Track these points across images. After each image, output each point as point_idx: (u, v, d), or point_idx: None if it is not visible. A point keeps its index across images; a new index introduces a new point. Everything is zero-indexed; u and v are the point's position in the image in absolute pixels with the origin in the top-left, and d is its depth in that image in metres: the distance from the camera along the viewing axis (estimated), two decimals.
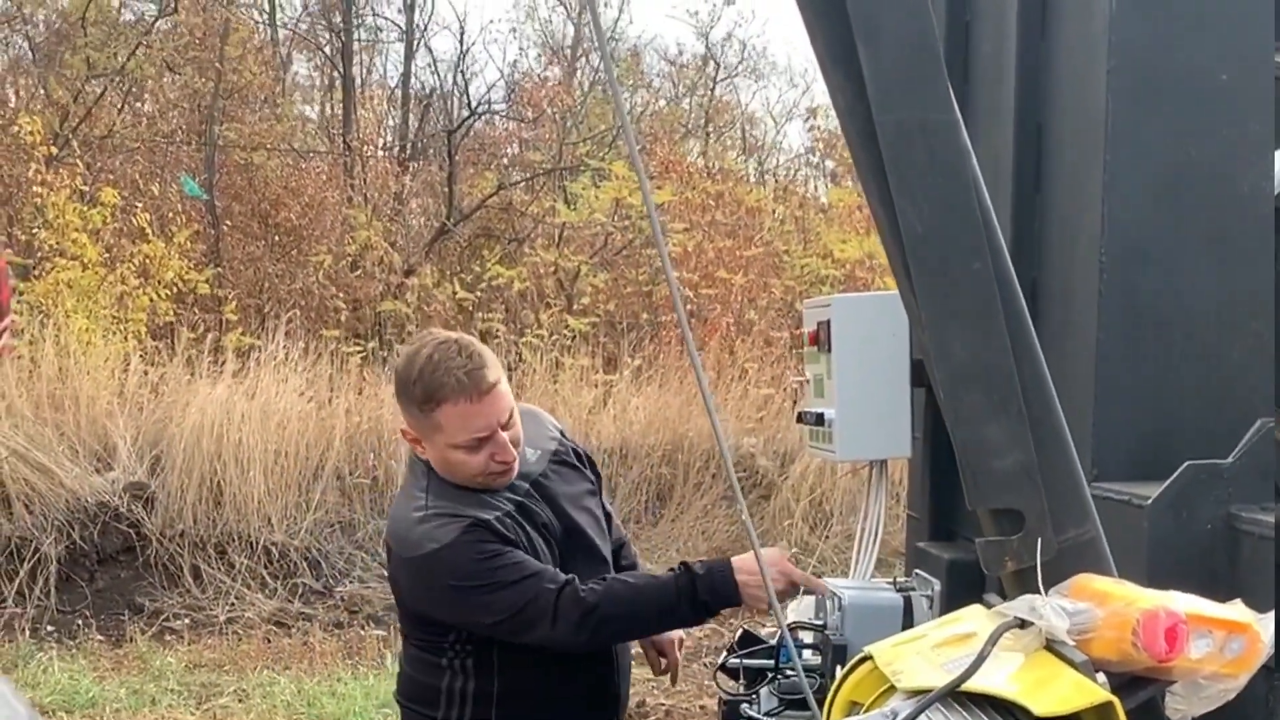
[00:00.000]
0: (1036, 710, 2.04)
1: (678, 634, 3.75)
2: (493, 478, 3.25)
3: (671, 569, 3.30)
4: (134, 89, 17.02)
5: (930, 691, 2.09)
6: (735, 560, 3.23)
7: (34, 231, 13.27)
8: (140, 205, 14.15)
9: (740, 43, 22.98)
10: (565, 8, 21.18)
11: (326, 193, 16.81)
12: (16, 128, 13.73)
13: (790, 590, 3.35)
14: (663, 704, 7.76)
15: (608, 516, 3.69)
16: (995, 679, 2.09)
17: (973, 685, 2.08)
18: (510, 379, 11.81)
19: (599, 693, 3.47)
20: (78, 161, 14.45)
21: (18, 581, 9.41)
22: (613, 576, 3.29)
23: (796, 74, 24.27)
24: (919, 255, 2.36)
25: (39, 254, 13.00)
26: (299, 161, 17.82)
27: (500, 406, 3.19)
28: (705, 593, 3.20)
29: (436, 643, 3.34)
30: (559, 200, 16.99)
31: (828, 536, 11.22)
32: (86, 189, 13.81)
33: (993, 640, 2.12)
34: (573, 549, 3.38)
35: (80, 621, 9.29)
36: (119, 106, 16.79)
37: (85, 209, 13.09)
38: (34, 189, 13.25)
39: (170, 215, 14.93)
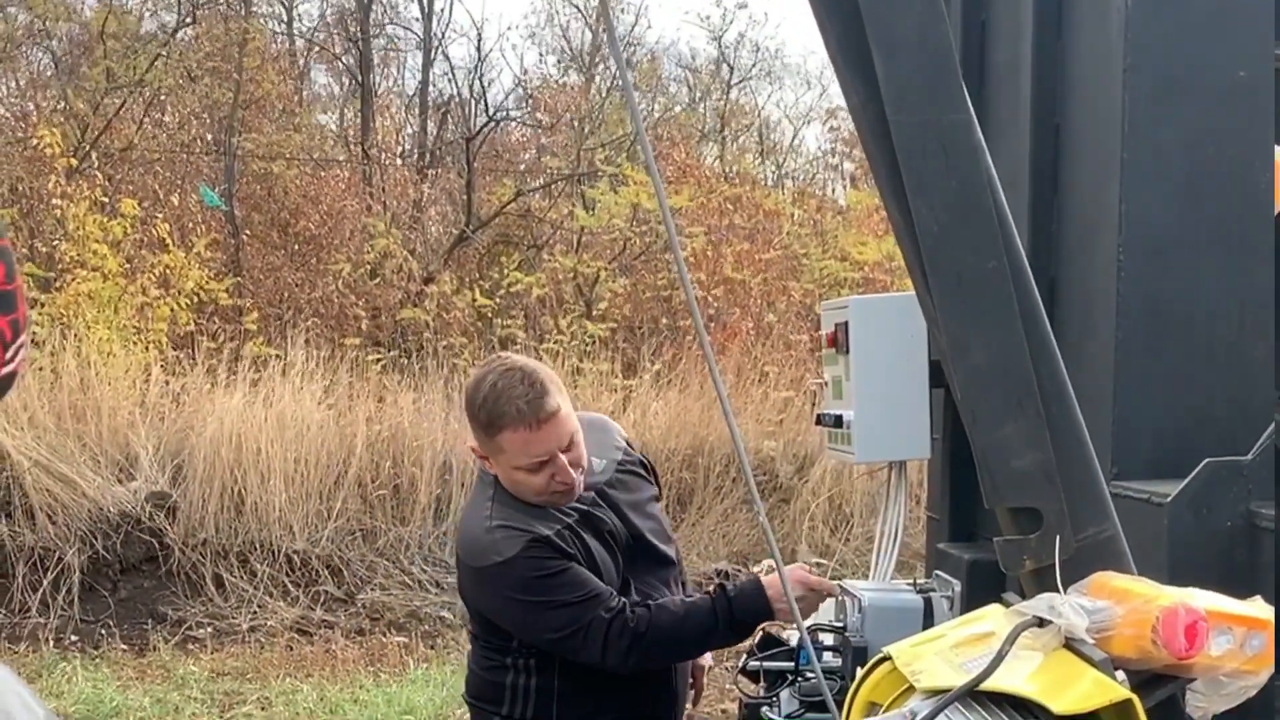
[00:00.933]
0: (1055, 709, 2.04)
1: (707, 660, 3.92)
2: (555, 497, 3.34)
3: (707, 592, 3.46)
4: (154, 100, 17.08)
5: (949, 691, 2.09)
6: (764, 579, 3.42)
7: (55, 244, 13.32)
8: (160, 216, 14.20)
9: (754, 45, 22.91)
10: (582, 13, 21.20)
11: (345, 201, 16.84)
12: (36, 140, 13.78)
13: (814, 599, 3.54)
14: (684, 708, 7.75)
15: None
16: (1014, 678, 2.09)
17: (992, 684, 2.08)
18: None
19: (659, 689, 3.55)
20: (97, 174, 14.51)
21: (41, 591, 9.45)
22: (658, 603, 3.37)
23: (812, 75, 24.23)
24: (935, 255, 2.36)
25: (60, 266, 13.05)
26: (318, 170, 17.87)
27: (560, 432, 3.26)
28: (741, 614, 3.36)
29: (503, 644, 3.45)
30: (577, 206, 16.99)
31: (848, 539, 11.21)
32: (107, 200, 13.86)
33: (1011, 639, 2.12)
34: (636, 553, 3.48)
35: (104, 631, 9.33)
36: (139, 118, 16.85)
37: (105, 220, 13.13)
38: (54, 201, 13.29)
39: (190, 225, 14.99)
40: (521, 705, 3.44)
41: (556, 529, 3.31)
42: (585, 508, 3.40)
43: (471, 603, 3.53)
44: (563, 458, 3.27)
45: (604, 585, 3.32)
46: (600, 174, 17.43)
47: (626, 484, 3.57)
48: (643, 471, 3.70)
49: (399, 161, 19.95)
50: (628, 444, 3.72)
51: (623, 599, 3.31)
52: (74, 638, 9.21)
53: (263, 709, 7.91)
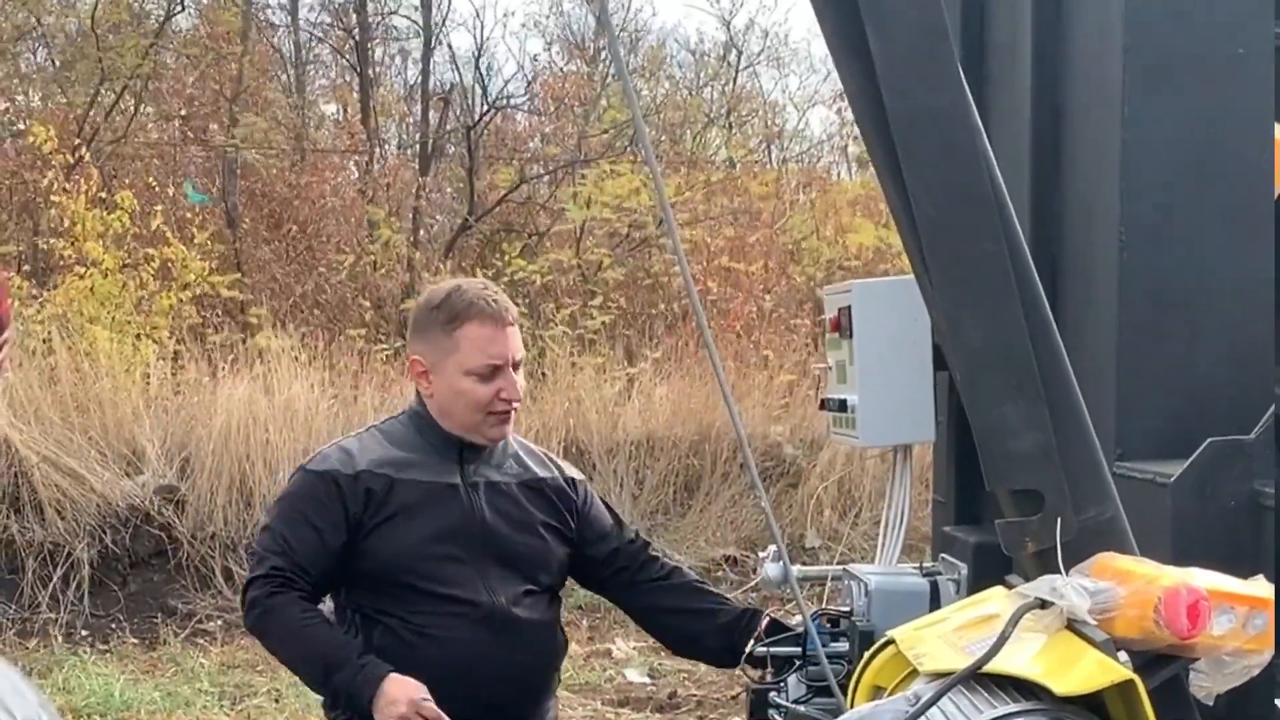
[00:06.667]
0: (1058, 690, 2.04)
1: None
2: (493, 419, 3.21)
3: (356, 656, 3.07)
4: (147, 91, 17.01)
5: (952, 674, 2.09)
6: (391, 677, 2.99)
7: (51, 241, 13.30)
8: (158, 209, 14.15)
9: (763, 30, 22.73)
10: None
11: (345, 192, 16.82)
12: (32, 136, 13.75)
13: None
14: (694, 695, 7.78)
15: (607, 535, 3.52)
16: (1017, 660, 2.09)
17: (995, 667, 2.08)
18: (533, 373, 11.78)
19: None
20: (93, 169, 14.43)
21: (51, 587, 9.46)
22: (307, 606, 3.12)
23: (818, 60, 24.11)
24: (932, 238, 2.36)
25: (60, 263, 13.04)
26: (318, 161, 17.83)
27: (516, 344, 3.24)
28: (342, 682, 3.04)
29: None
30: (571, 201, 16.85)
31: (857, 523, 11.18)
32: (104, 195, 13.82)
33: (1014, 622, 2.12)
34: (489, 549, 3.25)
35: (113, 625, 9.34)
36: (134, 111, 16.79)
37: (103, 214, 13.09)
38: (52, 198, 13.27)
39: (189, 217, 14.93)
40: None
41: (392, 474, 3.20)
42: (454, 482, 3.22)
43: None
44: (513, 372, 3.21)
45: (310, 552, 3.12)
46: (606, 158, 17.34)
47: (520, 500, 3.31)
48: (557, 499, 3.39)
49: (400, 151, 19.91)
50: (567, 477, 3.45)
51: (287, 577, 3.09)
52: (84, 632, 9.22)
53: (274, 701, 7.91)
